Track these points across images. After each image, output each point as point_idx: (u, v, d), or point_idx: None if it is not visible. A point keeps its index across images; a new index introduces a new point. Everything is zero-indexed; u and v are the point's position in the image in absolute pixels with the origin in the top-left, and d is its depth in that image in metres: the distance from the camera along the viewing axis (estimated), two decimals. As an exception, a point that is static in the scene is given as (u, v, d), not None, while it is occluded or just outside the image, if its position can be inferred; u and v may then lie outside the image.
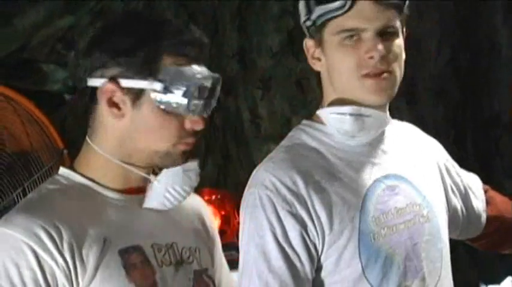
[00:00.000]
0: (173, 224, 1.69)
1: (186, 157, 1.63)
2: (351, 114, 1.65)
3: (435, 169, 1.82)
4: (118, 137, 1.61)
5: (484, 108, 3.45)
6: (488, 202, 1.96)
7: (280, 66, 3.81)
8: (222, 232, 3.12)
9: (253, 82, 3.90)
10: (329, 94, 1.71)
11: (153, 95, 1.57)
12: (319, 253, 1.61)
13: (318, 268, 1.61)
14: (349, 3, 1.60)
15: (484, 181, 2.08)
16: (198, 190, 2.67)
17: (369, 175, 1.67)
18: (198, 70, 1.60)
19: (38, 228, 1.48)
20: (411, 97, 3.59)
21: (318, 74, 1.72)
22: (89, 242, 1.52)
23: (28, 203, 1.59)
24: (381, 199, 1.66)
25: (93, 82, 1.60)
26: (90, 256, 1.51)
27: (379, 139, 1.71)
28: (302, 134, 1.71)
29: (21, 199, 2.53)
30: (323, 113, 1.69)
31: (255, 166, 1.71)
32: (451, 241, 1.82)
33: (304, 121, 1.74)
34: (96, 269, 1.50)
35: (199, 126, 1.61)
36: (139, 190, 1.64)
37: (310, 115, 1.76)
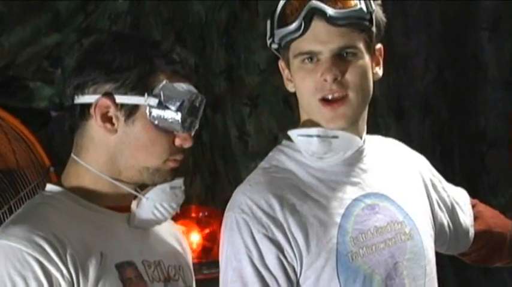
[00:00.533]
0: (158, 243, 1.71)
1: (174, 173, 1.66)
2: (317, 136, 1.65)
3: (420, 185, 1.82)
4: (109, 153, 1.62)
5: (471, 125, 3.45)
6: (476, 217, 1.97)
7: (268, 83, 3.80)
8: (208, 249, 3.12)
9: (241, 99, 3.89)
10: (302, 114, 1.72)
11: (147, 110, 1.59)
12: (298, 275, 1.60)
13: None
14: (304, 26, 1.61)
15: (470, 197, 2.08)
16: (185, 207, 2.65)
17: (347, 194, 1.67)
18: (190, 88, 1.63)
19: (41, 240, 1.49)
20: (399, 113, 3.60)
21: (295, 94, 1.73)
22: (89, 255, 1.53)
23: (22, 216, 1.59)
24: (360, 218, 1.65)
25: (85, 99, 1.62)
26: (91, 269, 1.52)
27: (357, 157, 1.71)
28: (281, 155, 1.71)
29: (7, 217, 2.51)
30: (292, 134, 1.70)
31: (243, 183, 1.73)
32: (438, 257, 1.81)
33: (284, 141, 1.74)
34: (97, 282, 1.52)
35: (188, 144, 1.64)
36: (127, 208, 1.66)
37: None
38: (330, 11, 1.60)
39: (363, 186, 1.69)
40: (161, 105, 1.59)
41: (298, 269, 1.59)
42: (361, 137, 1.70)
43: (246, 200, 1.61)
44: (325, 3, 1.61)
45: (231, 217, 1.61)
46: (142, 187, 1.68)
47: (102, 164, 1.62)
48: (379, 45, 1.71)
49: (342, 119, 1.63)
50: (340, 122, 1.64)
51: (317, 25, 1.61)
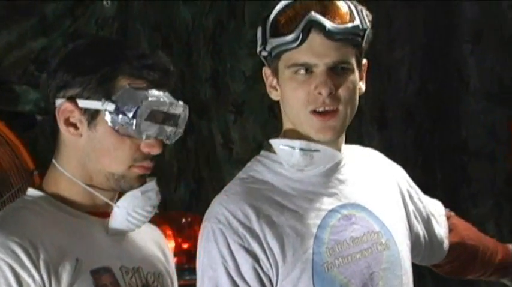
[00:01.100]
0: (138, 249, 1.70)
1: (143, 180, 1.63)
2: (300, 149, 1.65)
3: (397, 195, 1.82)
4: (78, 157, 1.61)
5: (452, 136, 3.47)
6: (450, 229, 1.97)
7: (253, 91, 3.81)
8: (191, 255, 3.11)
9: (226, 106, 3.91)
10: (285, 123, 1.71)
11: (106, 116, 1.57)
12: (274, 285, 1.60)
13: None
14: (301, 38, 1.60)
15: (451, 207, 2.09)
16: (168, 213, 2.61)
17: (324, 205, 1.67)
18: (155, 94, 1.59)
19: (15, 245, 1.48)
20: (381, 123, 3.61)
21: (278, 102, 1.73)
22: (63, 261, 1.52)
23: (0, 220, 1.57)
24: (336, 229, 1.65)
25: (57, 103, 1.60)
26: (64, 275, 1.51)
27: (335, 168, 1.71)
28: (259, 165, 1.71)
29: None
30: (275, 143, 1.69)
31: (227, 189, 1.72)
32: (418, 267, 1.82)
33: (263, 152, 1.74)
34: None
35: (155, 151, 1.61)
36: (105, 214, 1.64)
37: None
38: (328, 25, 1.60)
39: (339, 197, 1.69)
40: (118, 111, 1.56)
41: (274, 279, 1.60)
42: (340, 149, 1.71)
43: (223, 210, 1.61)
44: (325, 17, 1.61)
45: (207, 227, 1.61)
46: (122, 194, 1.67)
47: (74, 168, 1.61)
48: (364, 61, 1.71)
49: (331, 131, 1.64)
50: (329, 134, 1.64)
51: (314, 38, 1.60)
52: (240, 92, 3.88)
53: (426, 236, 1.87)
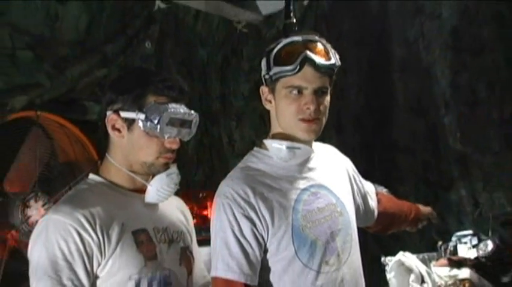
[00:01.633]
0: (165, 214, 1.67)
1: (167, 166, 1.61)
2: (287, 147, 1.63)
3: (346, 178, 1.82)
4: (122, 152, 1.60)
5: (387, 137, 3.46)
6: (378, 202, 1.97)
7: (249, 106, 3.80)
8: (206, 219, 3.12)
9: (230, 116, 3.88)
10: (275, 128, 1.69)
11: (139, 123, 1.56)
12: (265, 241, 1.59)
13: (264, 251, 1.60)
14: (298, 68, 1.59)
15: (385, 186, 2.11)
16: (190, 190, 2.58)
17: (299, 185, 1.66)
18: (173, 106, 1.56)
19: (79, 214, 1.48)
20: (338, 128, 3.60)
21: (268, 112, 1.71)
22: (112, 225, 1.51)
23: (69, 197, 1.57)
24: (307, 202, 1.64)
25: (107, 114, 1.59)
26: (113, 235, 1.51)
27: (307, 160, 1.71)
28: (253, 158, 1.69)
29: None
30: (268, 142, 1.68)
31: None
32: (360, 228, 1.82)
33: (255, 148, 1.72)
34: (117, 244, 1.50)
35: (174, 146, 1.59)
36: (143, 190, 1.63)
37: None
38: (318, 61, 1.59)
39: (309, 179, 1.68)
40: (147, 119, 1.54)
41: (266, 237, 1.59)
42: (311, 147, 1.70)
43: (229, 190, 1.59)
44: (316, 55, 1.59)
45: (218, 201, 1.60)
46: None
47: (120, 160, 1.59)
48: None
49: (313, 133, 1.63)
50: (312, 135, 1.64)
51: (307, 69, 1.59)
52: (240, 107, 3.85)
53: (363, 206, 1.88)
